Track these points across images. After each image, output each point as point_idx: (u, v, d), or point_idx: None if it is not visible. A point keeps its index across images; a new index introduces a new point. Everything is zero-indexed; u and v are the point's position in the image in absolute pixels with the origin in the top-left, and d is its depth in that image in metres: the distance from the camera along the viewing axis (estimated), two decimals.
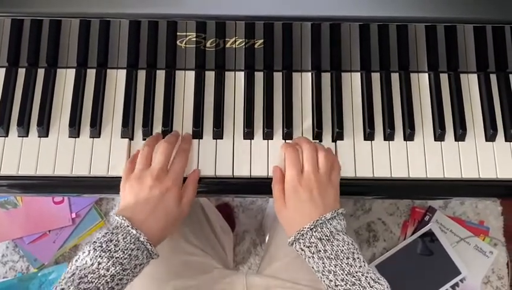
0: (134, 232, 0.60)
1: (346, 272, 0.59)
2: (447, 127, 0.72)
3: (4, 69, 0.74)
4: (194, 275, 0.79)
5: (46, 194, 0.75)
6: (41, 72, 0.74)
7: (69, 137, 0.72)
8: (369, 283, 0.58)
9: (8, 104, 0.73)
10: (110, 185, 0.71)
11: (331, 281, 0.60)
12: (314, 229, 0.61)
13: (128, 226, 0.60)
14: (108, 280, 0.56)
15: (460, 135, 0.72)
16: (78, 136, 0.72)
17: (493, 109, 0.74)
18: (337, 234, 0.62)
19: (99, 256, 0.57)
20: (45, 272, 1.37)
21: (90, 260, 0.57)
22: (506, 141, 0.73)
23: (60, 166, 0.70)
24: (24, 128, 0.71)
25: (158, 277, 0.77)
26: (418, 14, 0.66)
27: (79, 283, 0.55)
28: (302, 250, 0.62)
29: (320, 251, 0.61)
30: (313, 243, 0.61)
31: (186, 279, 0.78)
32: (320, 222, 0.62)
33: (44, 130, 0.71)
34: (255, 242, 1.42)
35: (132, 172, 0.66)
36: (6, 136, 0.72)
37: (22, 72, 0.74)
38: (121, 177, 0.69)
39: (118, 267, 0.57)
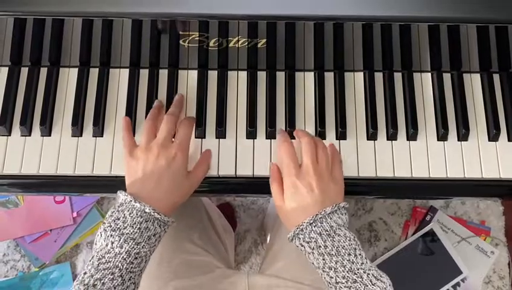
0: (138, 205, 0.59)
1: (347, 269, 0.58)
2: (450, 126, 0.72)
3: (7, 68, 0.74)
4: (196, 275, 0.79)
5: (48, 193, 0.75)
6: (43, 71, 0.74)
7: (72, 136, 0.72)
8: (371, 281, 0.57)
9: (10, 103, 0.73)
10: (113, 184, 0.71)
11: (332, 278, 0.58)
12: (314, 224, 0.60)
13: (131, 201, 0.60)
14: (125, 256, 0.57)
15: (463, 134, 0.72)
16: (81, 135, 0.72)
17: (496, 108, 0.73)
18: (338, 228, 0.60)
19: (111, 235, 0.58)
20: (46, 271, 1.37)
21: (104, 240, 0.58)
22: (509, 140, 0.73)
23: (63, 165, 0.70)
24: (27, 127, 0.71)
25: (160, 276, 0.77)
26: (421, 14, 0.66)
27: (98, 264, 0.57)
28: (302, 246, 0.61)
29: (320, 246, 0.59)
30: (313, 238, 0.60)
31: (189, 279, 0.78)
32: (320, 216, 0.60)
33: (47, 129, 0.71)
34: (256, 242, 1.42)
35: (133, 145, 0.66)
36: (9, 135, 0.72)
37: (24, 71, 0.74)
38: (123, 177, 0.69)
39: (130, 243, 0.58)
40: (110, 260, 0.57)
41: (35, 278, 1.36)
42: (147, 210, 0.59)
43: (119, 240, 0.57)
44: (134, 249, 0.58)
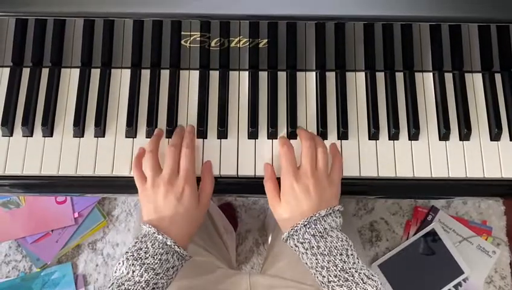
0: (160, 237, 0.62)
1: (339, 268, 0.59)
2: (452, 126, 0.72)
3: (8, 69, 0.74)
4: (198, 275, 0.79)
5: (49, 193, 0.75)
6: (45, 72, 0.74)
7: (74, 137, 0.72)
8: (362, 279, 0.58)
9: (12, 104, 0.73)
10: (114, 184, 0.71)
11: (324, 277, 0.60)
12: (308, 226, 0.62)
13: (154, 233, 0.62)
14: (144, 285, 0.59)
15: (465, 134, 0.72)
16: (83, 136, 0.72)
17: (498, 108, 0.73)
18: (331, 230, 0.62)
19: (132, 264, 0.60)
20: (48, 271, 1.37)
21: (126, 269, 0.60)
22: (511, 140, 0.73)
23: (65, 166, 0.70)
24: (28, 128, 0.71)
25: None
26: (423, 14, 0.66)
27: None
28: (296, 246, 0.63)
29: (313, 247, 0.61)
30: (306, 239, 0.61)
31: (190, 279, 0.78)
32: (314, 218, 0.62)
33: (48, 129, 0.71)
34: (257, 242, 1.42)
35: (144, 180, 0.66)
36: (11, 136, 0.72)
37: (26, 71, 0.74)
38: (124, 177, 0.70)
39: (150, 273, 0.60)
40: (129, 288, 0.59)
41: (37, 278, 1.36)
42: (168, 243, 0.62)
43: (140, 269, 0.60)
44: (153, 279, 0.60)
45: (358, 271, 0.59)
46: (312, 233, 0.61)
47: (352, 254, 0.61)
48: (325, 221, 0.62)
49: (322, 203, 0.63)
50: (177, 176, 0.65)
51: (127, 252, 0.62)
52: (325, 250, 0.60)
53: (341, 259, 0.60)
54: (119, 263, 0.61)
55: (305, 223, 0.61)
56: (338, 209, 0.64)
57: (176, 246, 0.62)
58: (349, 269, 0.59)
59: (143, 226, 0.64)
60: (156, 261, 0.60)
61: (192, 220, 0.66)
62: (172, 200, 0.64)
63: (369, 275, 0.59)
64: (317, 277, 0.61)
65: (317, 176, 0.64)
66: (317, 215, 0.62)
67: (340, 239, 0.61)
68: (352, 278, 0.58)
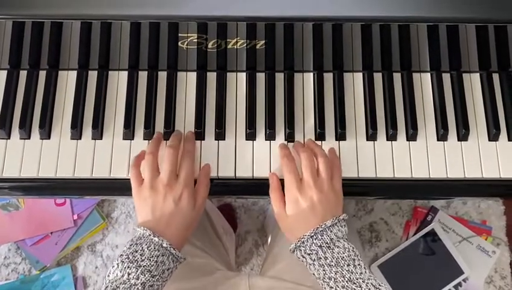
0: (156, 239, 0.62)
1: (346, 279, 0.59)
2: (450, 127, 0.72)
3: (5, 72, 0.74)
4: (197, 277, 0.79)
5: (48, 196, 0.75)
6: (42, 74, 0.74)
7: (71, 139, 0.72)
8: (369, 289, 0.58)
9: (9, 106, 0.72)
10: (113, 186, 0.71)
11: (332, 288, 0.60)
12: (315, 237, 0.62)
13: (150, 235, 0.62)
14: (140, 288, 0.59)
15: (463, 134, 0.72)
16: (80, 138, 0.72)
17: (496, 108, 0.73)
18: (338, 241, 0.62)
19: (128, 267, 0.60)
20: (47, 274, 1.37)
21: (120, 271, 0.60)
22: (509, 140, 0.73)
23: (62, 168, 0.70)
24: (26, 130, 0.71)
25: None
26: (420, 14, 0.66)
27: None
28: (303, 257, 0.63)
29: (320, 258, 0.61)
30: (314, 250, 0.61)
31: (189, 281, 0.78)
32: (321, 229, 0.62)
33: (46, 132, 0.71)
34: (257, 243, 1.42)
35: (140, 180, 0.66)
36: (8, 138, 0.72)
37: (23, 74, 0.74)
38: (122, 179, 0.69)
39: (147, 275, 0.60)
40: None
41: (36, 281, 1.36)
42: (164, 245, 0.62)
43: (136, 271, 0.59)
44: (149, 281, 0.60)
45: (366, 281, 0.59)
46: (319, 244, 0.61)
47: (359, 264, 0.61)
48: (331, 231, 0.62)
49: (327, 213, 0.63)
50: (176, 180, 0.65)
51: (121, 255, 0.61)
52: (332, 261, 0.60)
53: (348, 270, 0.60)
54: (113, 266, 0.61)
55: (312, 234, 0.62)
56: (343, 218, 0.64)
57: (171, 249, 0.62)
58: (357, 279, 0.59)
59: (138, 229, 0.63)
60: (152, 263, 0.60)
61: (188, 223, 0.66)
62: (170, 204, 0.64)
63: (376, 284, 0.59)
64: (325, 288, 0.61)
65: (320, 187, 0.64)
66: (323, 226, 0.62)
67: (347, 249, 0.61)
68: (360, 288, 0.58)
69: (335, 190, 0.66)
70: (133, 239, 0.63)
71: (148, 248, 0.61)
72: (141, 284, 0.59)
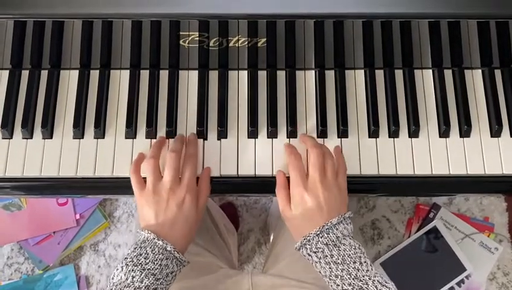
0: (160, 243, 0.62)
1: (353, 276, 0.59)
2: (452, 123, 0.72)
3: (7, 71, 0.74)
4: (200, 275, 0.79)
5: (51, 195, 0.75)
6: (44, 74, 0.74)
7: (74, 138, 0.72)
8: (376, 287, 0.58)
9: (12, 106, 0.73)
10: (115, 185, 0.71)
11: (338, 285, 0.60)
12: (321, 235, 0.62)
13: (154, 238, 0.62)
14: None
15: (465, 131, 0.72)
16: (83, 137, 0.72)
17: (498, 104, 0.73)
18: (344, 238, 0.62)
19: (132, 270, 0.60)
20: (50, 273, 1.37)
21: (125, 275, 0.60)
22: (511, 136, 0.73)
23: (65, 167, 0.70)
24: (28, 130, 0.71)
25: None
26: (421, 10, 0.66)
27: None
28: (309, 255, 0.63)
29: (326, 256, 0.61)
30: (320, 248, 0.61)
31: (192, 279, 0.78)
32: (327, 227, 0.62)
33: (48, 131, 0.71)
34: (259, 241, 1.42)
35: (142, 185, 0.66)
36: (11, 138, 0.72)
37: (25, 74, 0.74)
38: (125, 178, 0.69)
39: (151, 278, 0.60)
40: None
41: (39, 280, 1.36)
42: (168, 248, 0.62)
43: (140, 275, 0.59)
44: (153, 284, 0.60)
45: (372, 278, 0.59)
46: (325, 242, 0.61)
47: (365, 262, 0.61)
48: (337, 229, 0.62)
49: (333, 211, 0.63)
50: (179, 184, 0.65)
51: (125, 258, 0.61)
52: (338, 259, 0.60)
53: (354, 267, 0.60)
54: (117, 269, 0.61)
55: (318, 232, 0.62)
56: (348, 216, 0.64)
57: (175, 252, 0.62)
58: (363, 276, 0.59)
59: (141, 232, 0.63)
60: (156, 266, 0.60)
61: (191, 226, 0.66)
62: (173, 208, 0.64)
63: (383, 282, 0.59)
64: (331, 286, 0.61)
65: (326, 185, 0.64)
66: (329, 224, 0.62)
67: (353, 247, 0.61)
68: (366, 286, 0.58)
69: (340, 188, 0.66)
70: (137, 242, 0.63)
71: (152, 251, 0.61)
72: (145, 287, 0.59)
